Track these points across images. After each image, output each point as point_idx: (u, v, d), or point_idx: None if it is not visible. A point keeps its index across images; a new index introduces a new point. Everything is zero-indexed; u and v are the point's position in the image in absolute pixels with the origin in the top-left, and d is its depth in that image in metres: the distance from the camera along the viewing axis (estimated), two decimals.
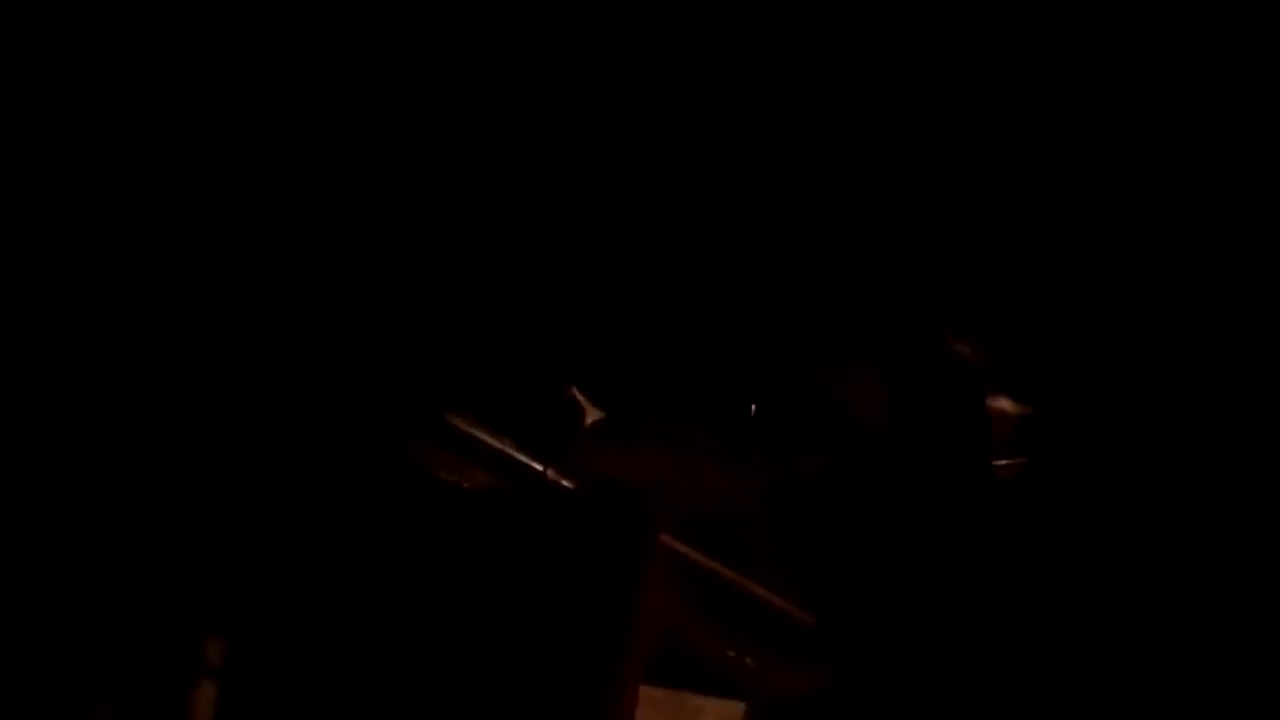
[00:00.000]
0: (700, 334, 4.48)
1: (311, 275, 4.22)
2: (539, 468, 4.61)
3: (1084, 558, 4.05)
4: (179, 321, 4.21)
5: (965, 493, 4.27)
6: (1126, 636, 4.01)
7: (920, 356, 4.23)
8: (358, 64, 3.49)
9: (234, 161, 3.87)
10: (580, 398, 4.59)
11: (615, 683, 4.47)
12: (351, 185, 3.99)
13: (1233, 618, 3.94)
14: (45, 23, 3.49)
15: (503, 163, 3.90)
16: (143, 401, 4.25)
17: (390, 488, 4.70)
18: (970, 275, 4.03)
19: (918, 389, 4.24)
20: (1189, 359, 3.97)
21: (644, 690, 4.72)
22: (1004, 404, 4.20)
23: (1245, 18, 3.11)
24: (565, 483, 4.65)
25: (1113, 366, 4.06)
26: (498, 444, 4.56)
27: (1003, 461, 4.23)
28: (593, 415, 4.61)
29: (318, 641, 4.66)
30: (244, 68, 3.52)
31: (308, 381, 4.45)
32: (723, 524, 4.82)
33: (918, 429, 4.29)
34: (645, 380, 4.61)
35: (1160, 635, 3.95)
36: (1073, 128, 3.53)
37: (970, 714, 4.14)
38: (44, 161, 3.69)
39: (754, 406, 4.56)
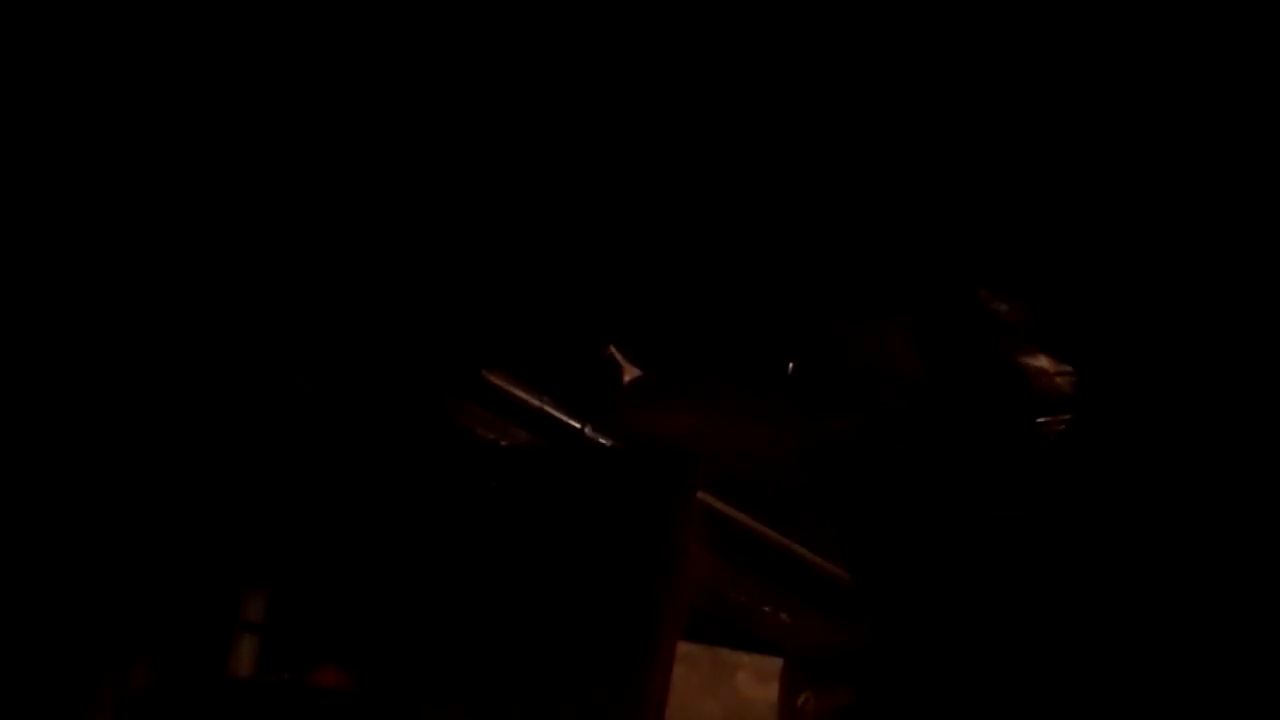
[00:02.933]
0: (737, 293, 4.48)
1: (351, 238, 4.23)
2: (577, 425, 4.63)
3: (1124, 516, 4.04)
4: (220, 284, 4.23)
5: (1002, 450, 4.27)
6: (1165, 595, 4.00)
7: (956, 316, 4.22)
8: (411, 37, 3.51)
9: (276, 131, 3.89)
10: (618, 356, 4.60)
11: (653, 639, 4.49)
12: (389, 148, 4.00)
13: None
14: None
15: (539, 123, 3.90)
16: (187, 365, 4.29)
17: (429, 445, 4.72)
18: (1009, 234, 4.02)
19: (953, 347, 4.24)
20: (1229, 322, 3.96)
21: (681, 646, 4.74)
22: (1043, 362, 4.20)
23: None
24: (603, 440, 4.66)
25: (1153, 325, 4.05)
26: (536, 401, 4.58)
27: (1043, 419, 4.23)
28: (631, 373, 4.61)
29: (359, 596, 4.70)
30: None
31: (348, 340, 4.47)
32: (760, 482, 4.84)
33: (953, 387, 4.29)
34: (683, 339, 4.61)
35: (1199, 588, 3.94)
36: (1104, 95, 3.52)
37: (1005, 667, 4.15)
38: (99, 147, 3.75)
39: (791, 365, 4.56)
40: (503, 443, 4.61)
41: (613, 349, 4.60)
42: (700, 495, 4.72)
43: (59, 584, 4.24)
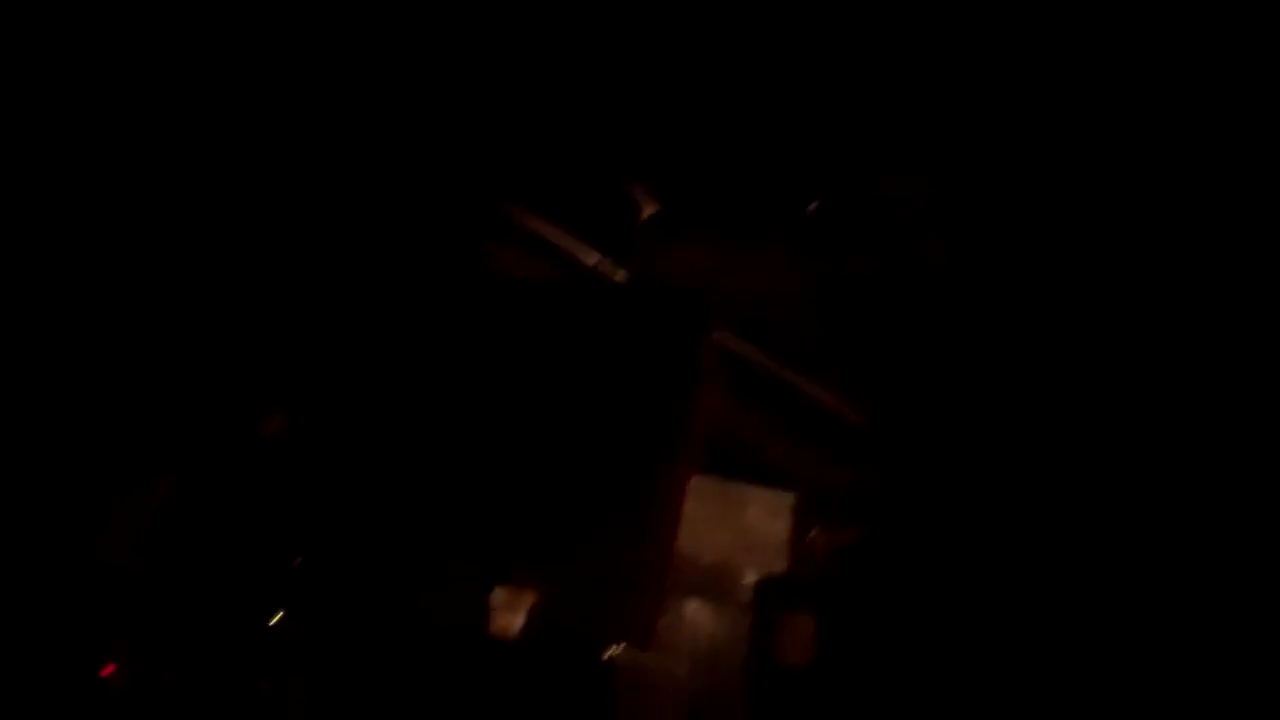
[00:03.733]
0: (760, 134, 4.45)
1: (372, 74, 4.20)
2: (595, 261, 4.62)
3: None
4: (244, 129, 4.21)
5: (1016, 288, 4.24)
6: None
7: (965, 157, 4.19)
8: None
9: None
10: (638, 192, 4.58)
11: (666, 471, 4.52)
12: None
13: None
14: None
15: None
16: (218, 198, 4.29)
17: (449, 277, 4.72)
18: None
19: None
20: None
21: (694, 481, 4.77)
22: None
23: None
24: (621, 276, 4.66)
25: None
26: (554, 236, 4.57)
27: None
28: (650, 209, 4.60)
29: (379, 423, 4.74)
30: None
31: (371, 175, 4.45)
32: (776, 320, 4.83)
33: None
34: (703, 176, 4.59)
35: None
36: None
37: (1014, 510, 4.17)
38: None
39: (812, 204, 4.54)
40: (520, 275, 4.61)
41: (633, 185, 4.58)
42: (716, 333, 4.72)
43: (82, 406, 4.30)
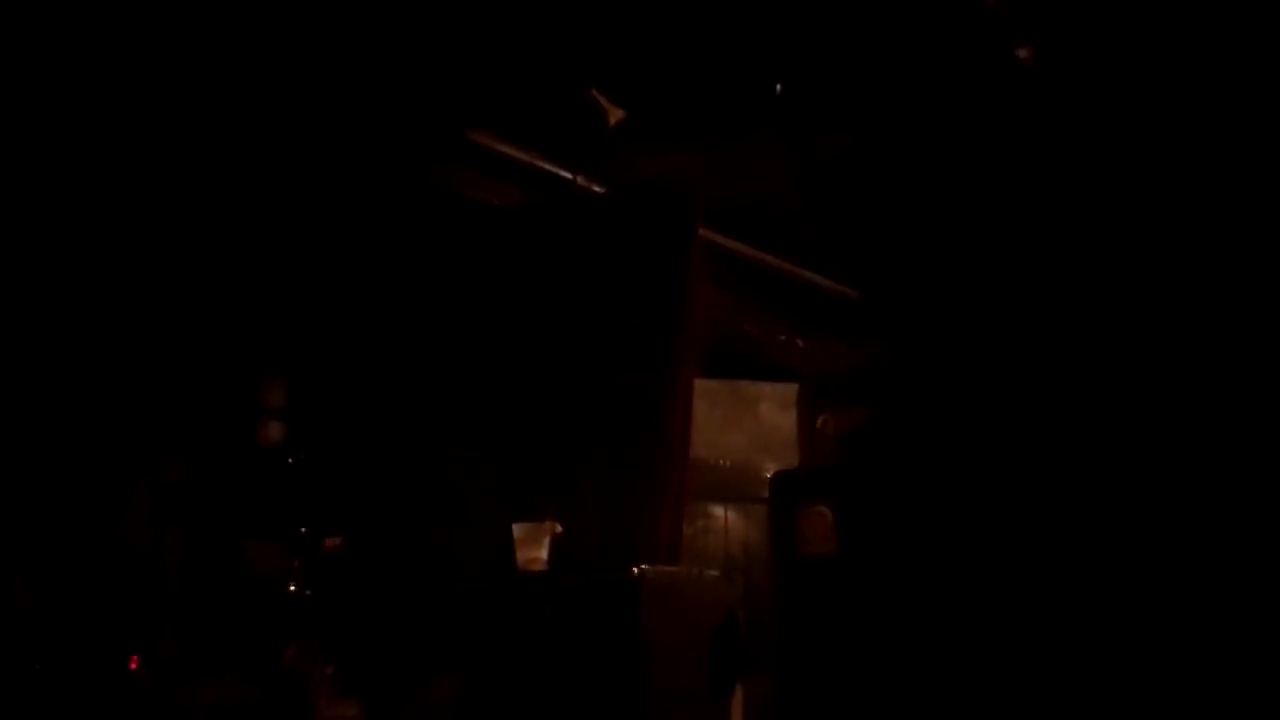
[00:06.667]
0: (716, 20, 4.32)
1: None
2: (568, 176, 4.53)
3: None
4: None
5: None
6: None
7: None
8: None
9: None
10: (601, 99, 4.46)
11: (669, 379, 4.49)
12: None
13: None
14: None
15: None
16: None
17: (427, 213, 4.66)
18: None
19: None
20: None
21: (703, 383, 4.73)
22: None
23: None
24: (597, 189, 4.57)
25: None
26: (524, 156, 4.47)
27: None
28: (616, 115, 4.48)
29: (383, 366, 4.73)
30: None
31: (326, 120, 4.35)
32: (761, 211, 4.73)
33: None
34: (666, 73, 4.46)
35: None
36: None
37: (1014, 371, 4.08)
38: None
39: (778, 86, 4.41)
40: (496, 203, 4.53)
41: (594, 92, 4.46)
42: (702, 232, 4.64)
43: (89, 395, 4.31)
